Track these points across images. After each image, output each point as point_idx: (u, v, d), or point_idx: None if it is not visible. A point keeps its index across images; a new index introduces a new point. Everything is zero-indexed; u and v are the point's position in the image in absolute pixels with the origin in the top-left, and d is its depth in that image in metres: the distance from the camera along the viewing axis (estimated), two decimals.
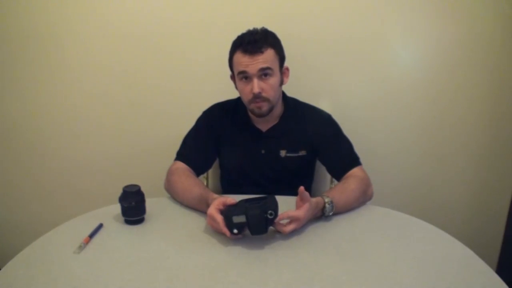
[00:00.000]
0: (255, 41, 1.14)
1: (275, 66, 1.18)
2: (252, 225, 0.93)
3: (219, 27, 1.54)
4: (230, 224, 0.94)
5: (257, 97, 1.17)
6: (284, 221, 0.98)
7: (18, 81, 1.65)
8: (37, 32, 1.57)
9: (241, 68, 1.16)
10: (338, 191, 1.14)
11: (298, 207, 1.01)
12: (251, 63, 1.14)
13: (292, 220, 0.98)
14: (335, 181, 1.31)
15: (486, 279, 0.83)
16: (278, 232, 0.99)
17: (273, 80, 1.18)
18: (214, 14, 1.53)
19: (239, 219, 0.93)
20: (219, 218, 0.96)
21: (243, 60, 1.15)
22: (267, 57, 1.15)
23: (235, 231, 0.94)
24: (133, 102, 1.66)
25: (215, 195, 1.06)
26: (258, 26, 1.20)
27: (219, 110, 1.34)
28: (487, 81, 1.56)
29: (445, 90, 1.59)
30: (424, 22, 1.52)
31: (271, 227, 0.98)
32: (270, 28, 1.21)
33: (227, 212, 0.95)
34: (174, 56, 1.60)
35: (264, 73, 1.16)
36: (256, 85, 1.15)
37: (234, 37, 1.21)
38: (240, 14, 1.52)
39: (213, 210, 0.97)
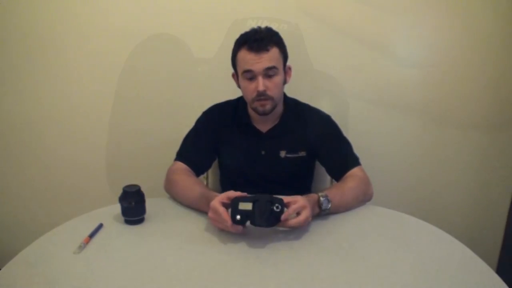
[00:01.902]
0: (261, 39, 1.14)
1: (280, 64, 1.19)
2: (257, 214, 0.93)
3: (219, 27, 1.53)
4: (235, 211, 0.94)
5: (261, 95, 1.17)
6: (292, 216, 0.97)
7: (18, 81, 1.65)
8: (37, 32, 1.57)
9: (247, 67, 1.16)
10: (334, 188, 1.14)
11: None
12: (257, 61, 1.14)
13: (299, 210, 0.97)
14: (335, 182, 1.31)
15: (486, 279, 0.83)
16: (279, 232, 0.99)
17: (278, 78, 1.19)
18: (215, 14, 1.53)
19: (245, 206, 0.94)
20: (221, 209, 0.95)
21: (248, 58, 1.15)
22: (272, 55, 1.16)
23: (238, 217, 0.93)
24: (133, 102, 1.66)
25: (218, 194, 1.05)
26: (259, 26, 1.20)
27: (218, 110, 1.34)
28: (487, 81, 1.56)
29: (445, 90, 1.59)
30: (425, 22, 1.52)
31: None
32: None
33: (235, 199, 0.96)
34: (174, 56, 1.59)
35: (269, 72, 1.16)
36: (261, 83, 1.15)
37: (234, 37, 1.21)
38: (241, 14, 1.52)
39: (216, 202, 0.97)
